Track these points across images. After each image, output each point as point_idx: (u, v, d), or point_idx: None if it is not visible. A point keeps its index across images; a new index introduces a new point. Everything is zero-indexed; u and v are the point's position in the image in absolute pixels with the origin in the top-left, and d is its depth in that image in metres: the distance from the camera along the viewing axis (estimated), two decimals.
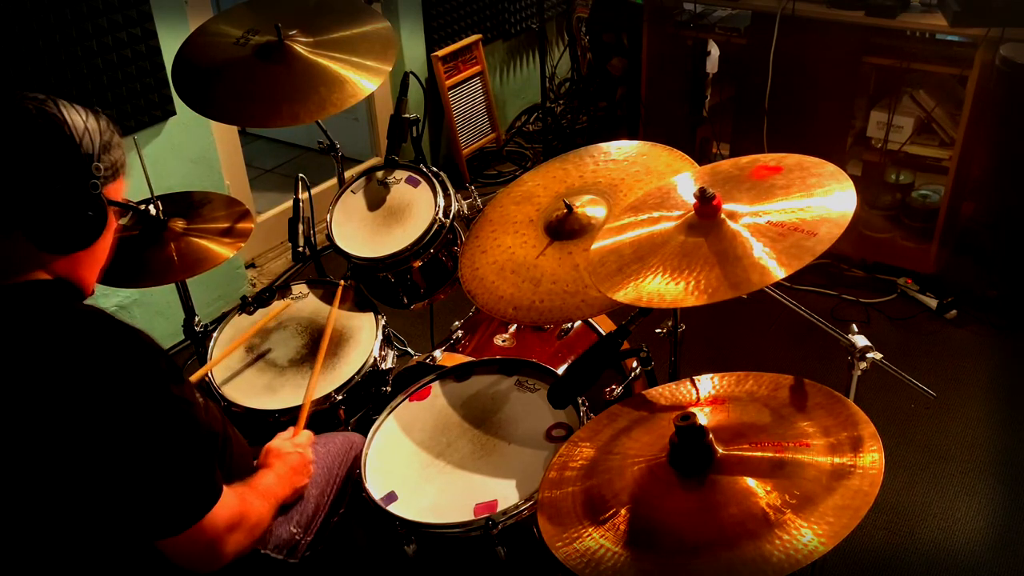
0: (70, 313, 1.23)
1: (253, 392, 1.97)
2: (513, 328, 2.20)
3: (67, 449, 1.17)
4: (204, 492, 1.28)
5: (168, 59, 2.76)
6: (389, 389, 2.07)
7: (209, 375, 2.01)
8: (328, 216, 2.29)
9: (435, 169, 2.31)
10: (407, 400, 1.87)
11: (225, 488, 1.31)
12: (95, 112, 1.28)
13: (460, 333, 2.24)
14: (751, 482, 1.28)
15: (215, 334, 2.13)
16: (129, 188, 1.36)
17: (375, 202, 2.31)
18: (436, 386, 1.89)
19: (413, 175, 2.32)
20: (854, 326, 1.59)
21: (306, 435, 1.75)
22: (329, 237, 2.25)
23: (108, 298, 2.90)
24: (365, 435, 1.79)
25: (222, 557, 1.32)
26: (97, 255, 1.32)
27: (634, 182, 1.90)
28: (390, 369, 2.09)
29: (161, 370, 1.23)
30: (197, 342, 2.24)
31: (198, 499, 1.27)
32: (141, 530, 1.25)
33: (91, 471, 1.19)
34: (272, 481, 1.55)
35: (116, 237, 1.35)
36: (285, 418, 1.89)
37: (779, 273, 1.39)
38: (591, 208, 1.88)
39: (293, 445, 1.68)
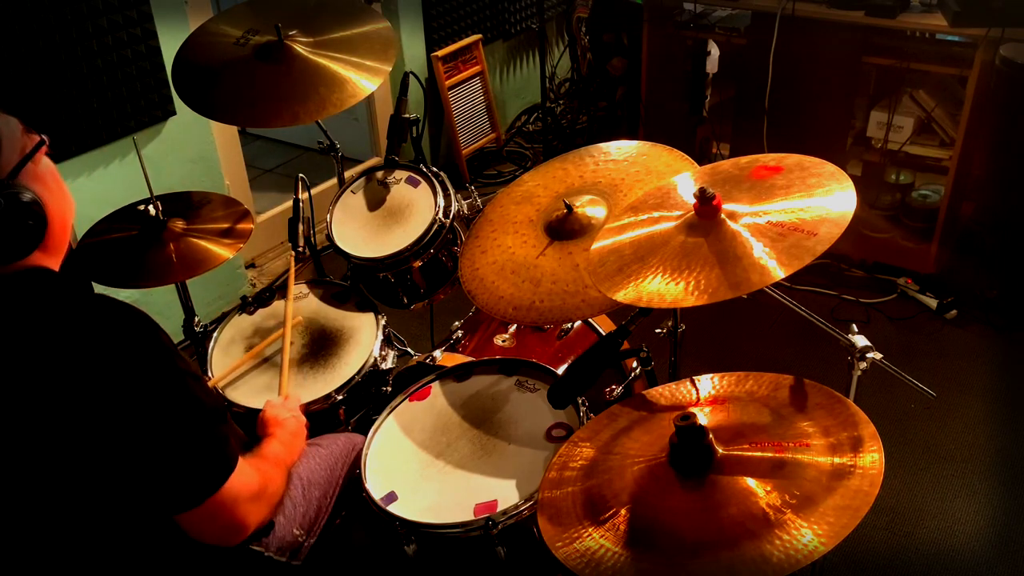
0: (65, 296, 1.21)
1: (253, 392, 1.97)
2: (513, 328, 2.19)
3: (80, 429, 1.16)
4: (220, 461, 1.26)
5: (168, 59, 2.76)
6: (389, 389, 2.07)
7: (210, 375, 2.01)
8: (328, 216, 2.29)
9: (435, 169, 2.31)
10: (407, 400, 1.86)
11: (241, 458, 1.30)
12: None
13: (460, 333, 2.24)
14: (751, 482, 1.28)
15: (215, 334, 2.13)
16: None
17: (375, 202, 2.31)
18: (436, 386, 1.89)
19: (413, 175, 2.32)
20: (854, 326, 1.59)
21: (295, 398, 1.79)
22: (329, 237, 2.24)
23: None
24: (365, 435, 1.79)
25: (244, 528, 1.30)
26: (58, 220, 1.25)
27: (634, 182, 1.90)
28: (390, 369, 2.09)
29: (164, 344, 1.22)
30: (197, 342, 2.24)
31: (215, 469, 1.25)
32: (161, 505, 1.24)
33: (106, 449, 1.18)
34: (280, 449, 1.54)
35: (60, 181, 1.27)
36: None
37: (779, 273, 1.39)
38: (591, 208, 1.88)
39: (287, 410, 1.69)
